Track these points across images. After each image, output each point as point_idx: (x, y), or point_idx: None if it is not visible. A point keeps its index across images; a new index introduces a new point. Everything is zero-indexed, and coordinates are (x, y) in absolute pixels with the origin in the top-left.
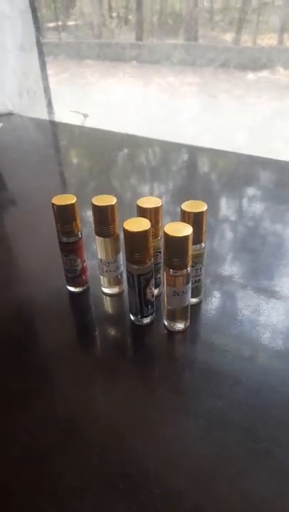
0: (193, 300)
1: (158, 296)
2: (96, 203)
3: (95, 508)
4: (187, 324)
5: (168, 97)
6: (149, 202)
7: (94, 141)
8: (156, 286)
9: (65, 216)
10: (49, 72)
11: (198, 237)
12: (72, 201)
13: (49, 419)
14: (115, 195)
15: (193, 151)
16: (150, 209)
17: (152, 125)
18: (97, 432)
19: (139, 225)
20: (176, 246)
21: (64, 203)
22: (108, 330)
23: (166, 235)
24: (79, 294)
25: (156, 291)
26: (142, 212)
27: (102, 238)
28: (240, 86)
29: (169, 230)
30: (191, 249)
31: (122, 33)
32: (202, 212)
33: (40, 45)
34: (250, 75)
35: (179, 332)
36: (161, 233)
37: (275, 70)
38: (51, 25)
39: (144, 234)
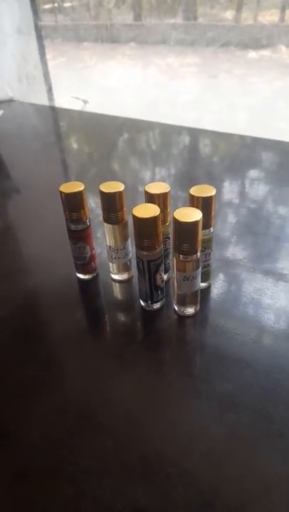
0: (203, 284)
1: (167, 281)
2: (104, 190)
3: (113, 490)
4: (197, 309)
5: (168, 78)
6: (156, 187)
7: (95, 126)
8: (166, 271)
9: (74, 204)
10: (47, 56)
11: (207, 221)
12: (81, 189)
13: (63, 405)
14: (119, 181)
15: (195, 134)
16: (158, 195)
17: (153, 107)
18: (111, 416)
19: (148, 211)
20: (186, 231)
21: (72, 191)
22: (118, 316)
23: (175, 220)
24: (88, 281)
25: (165, 277)
26: (150, 198)
27: (110, 225)
28: (242, 65)
29: (178, 215)
30: (201, 234)
31: (120, 13)
32: (211, 197)
33: (38, 29)
34: (252, 54)
35: (189, 317)
36: (169, 219)
37: (276, 49)
38: (47, 7)
39: (153, 220)
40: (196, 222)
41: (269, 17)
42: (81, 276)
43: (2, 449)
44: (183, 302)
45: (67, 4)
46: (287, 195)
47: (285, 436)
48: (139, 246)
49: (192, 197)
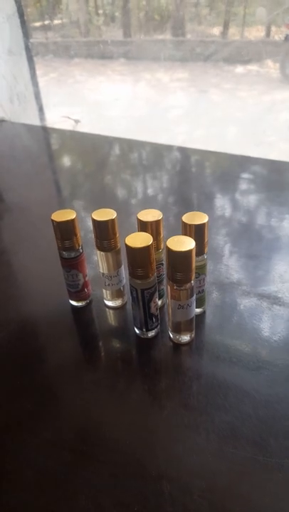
0: (197, 310)
1: (161, 307)
2: (96, 218)
3: None
4: (192, 336)
5: (158, 93)
6: (149, 214)
7: (87, 147)
8: (160, 297)
9: (65, 232)
10: (38, 72)
11: (200, 248)
12: (72, 217)
13: (59, 440)
14: (113, 207)
15: (185, 152)
16: (151, 222)
17: (143, 123)
18: (107, 450)
19: (140, 240)
20: (179, 260)
21: (64, 219)
22: (113, 344)
23: (168, 249)
24: (82, 308)
25: (159, 302)
26: (143, 225)
27: (103, 252)
28: (230, 80)
29: (171, 244)
30: (194, 262)
31: (109, 30)
32: (203, 224)
33: (28, 49)
34: (239, 69)
35: (184, 344)
36: (162, 245)
37: (263, 63)
38: (37, 24)
39: (146, 249)
40: (189, 252)
41: (255, 33)
42: (74, 303)
43: None
44: (178, 330)
45: (57, 22)
46: (278, 214)
47: (285, 469)
48: (133, 275)
49: (185, 224)
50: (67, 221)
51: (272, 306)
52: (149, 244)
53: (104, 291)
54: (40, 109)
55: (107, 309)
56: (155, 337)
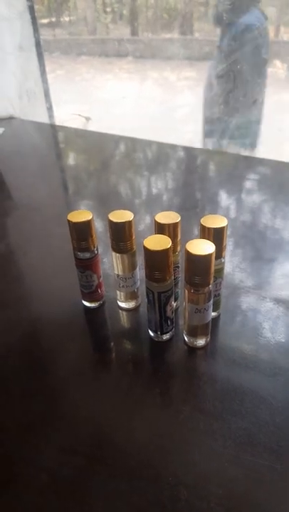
0: (213, 314)
1: (176, 310)
2: (113, 219)
3: None
4: (208, 340)
5: (165, 92)
6: (166, 217)
7: (96, 146)
8: (175, 299)
9: (81, 233)
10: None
11: (218, 252)
12: (89, 218)
13: (72, 443)
14: (122, 207)
15: (192, 152)
16: (169, 225)
17: (150, 121)
18: (121, 455)
19: (159, 242)
20: (198, 264)
21: (80, 220)
22: (126, 346)
23: (187, 252)
24: (95, 309)
25: (174, 305)
26: (160, 227)
27: (119, 254)
28: None
29: (190, 247)
30: (213, 266)
31: (117, 28)
32: (222, 228)
33: (39, 46)
34: None
35: (199, 348)
36: (179, 248)
37: (272, 63)
38: (45, 21)
39: (165, 252)
40: (209, 256)
41: None
42: (87, 304)
43: (5, 492)
44: (194, 333)
45: (65, 19)
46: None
47: None
48: (150, 277)
49: (203, 227)
50: (84, 222)
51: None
52: (168, 247)
53: (118, 292)
54: (50, 107)
55: (120, 311)
56: (170, 340)
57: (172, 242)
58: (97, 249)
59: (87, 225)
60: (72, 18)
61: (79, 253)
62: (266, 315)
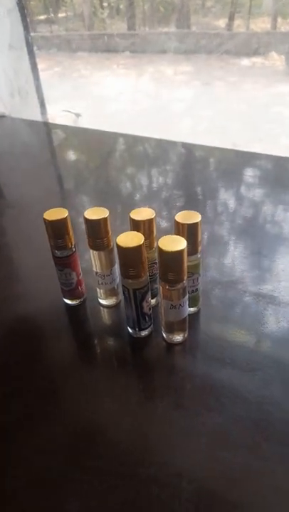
0: (191, 309)
1: (155, 306)
2: (88, 217)
3: None
4: (186, 336)
5: (162, 87)
6: (141, 213)
7: (88, 143)
8: (153, 296)
9: (58, 231)
10: (42, 66)
11: (193, 247)
12: (64, 215)
13: (52, 441)
14: (113, 204)
15: (189, 148)
16: (144, 221)
17: (147, 117)
18: (98, 452)
19: (132, 239)
20: (170, 261)
21: (56, 218)
22: (107, 343)
23: (160, 249)
24: (76, 306)
25: (153, 302)
26: (135, 224)
27: (96, 251)
28: (235, 72)
29: (163, 244)
30: (186, 262)
31: (114, 23)
32: (196, 224)
33: (29, 44)
34: (245, 61)
35: (177, 344)
36: (155, 244)
37: (269, 56)
38: (42, 17)
39: (137, 249)
40: (180, 252)
41: (261, 24)
42: (68, 301)
43: None
44: (171, 329)
45: (61, 14)
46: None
47: (276, 473)
48: (125, 275)
49: (178, 224)
50: (59, 220)
51: (268, 305)
52: (140, 243)
53: (98, 289)
54: (42, 104)
55: (101, 308)
56: (148, 336)
57: (148, 239)
58: (75, 247)
59: (63, 223)
60: (68, 14)
61: (56, 251)
62: (246, 310)
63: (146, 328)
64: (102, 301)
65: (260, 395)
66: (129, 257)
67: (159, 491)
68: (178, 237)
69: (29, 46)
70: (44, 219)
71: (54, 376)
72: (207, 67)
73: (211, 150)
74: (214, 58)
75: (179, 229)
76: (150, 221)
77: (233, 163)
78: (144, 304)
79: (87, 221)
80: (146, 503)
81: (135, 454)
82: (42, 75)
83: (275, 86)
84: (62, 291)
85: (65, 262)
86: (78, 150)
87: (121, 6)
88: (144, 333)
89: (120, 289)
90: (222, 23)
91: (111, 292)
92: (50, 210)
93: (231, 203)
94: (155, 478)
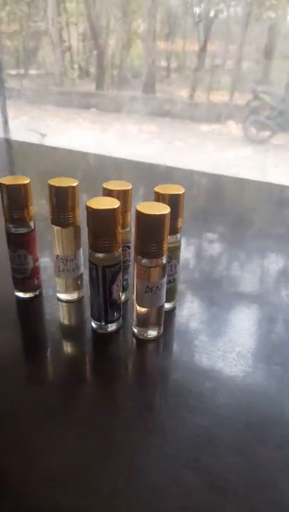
0: (167, 306)
1: (125, 303)
2: (54, 184)
3: None
4: (160, 331)
5: (126, 142)
6: (116, 185)
7: (52, 161)
8: (124, 289)
9: (16, 200)
10: (10, 114)
11: (174, 225)
12: (25, 182)
13: None
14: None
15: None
16: (118, 191)
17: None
18: (50, 463)
19: (105, 203)
20: (151, 227)
21: (15, 183)
22: (65, 342)
23: (139, 214)
24: (29, 300)
25: (123, 297)
26: (109, 195)
27: (59, 228)
28: (195, 136)
29: (142, 208)
30: (168, 232)
31: (83, 83)
32: (179, 195)
33: (0, 68)
34: (204, 127)
35: (150, 341)
36: (130, 223)
37: (226, 124)
38: (13, 72)
39: (111, 213)
40: (163, 216)
41: (220, 97)
42: (20, 294)
43: None
44: (144, 322)
45: (32, 71)
46: None
47: (278, 486)
48: (94, 247)
49: (158, 195)
50: (19, 185)
51: (250, 304)
52: (115, 207)
53: (57, 281)
54: (5, 122)
55: (60, 303)
56: (116, 332)
57: (122, 216)
58: (34, 225)
59: (22, 191)
60: (40, 71)
61: (11, 226)
62: (225, 308)
63: (115, 321)
64: (62, 296)
65: (240, 394)
66: (101, 224)
67: (129, 507)
68: (159, 203)
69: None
70: (0, 184)
71: None
72: (170, 128)
73: None
74: (176, 122)
75: (159, 201)
76: (126, 192)
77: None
78: (114, 289)
79: (52, 190)
80: None
81: (95, 463)
82: (9, 122)
83: (233, 149)
84: (13, 281)
85: (20, 241)
86: (39, 167)
87: (91, 70)
88: (111, 327)
89: (84, 283)
90: (184, 93)
91: (73, 284)
92: (9, 176)
93: None
94: (123, 492)
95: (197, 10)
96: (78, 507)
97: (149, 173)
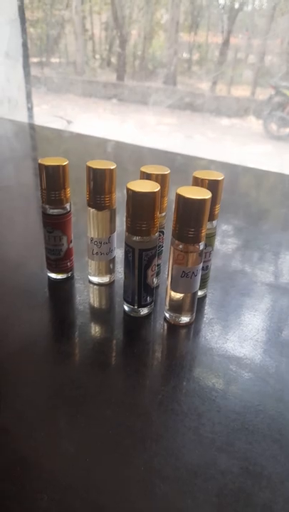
0: (199, 293)
1: (157, 287)
2: (92, 166)
3: None
4: (193, 317)
5: (145, 134)
6: (154, 169)
7: (77, 147)
8: (156, 274)
9: (54, 180)
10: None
11: (211, 212)
12: (64, 163)
13: (16, 427)
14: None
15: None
16: (156, 175)
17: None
18: (94, 444)
19: (146, 186)
20: (191, 211)
21: (54, 164)
22: (96, 324)
23: (179, 197)
24: (61, 281)
25: (155, 281)
26: (147, 179)
27: (95, 211)
28: (215, 129)
29: (183, 191)
30: (207, 218)
31: (104, 73)
32: (218, 181)
33: (26, 53)
34: (225, 121)
35: (181, 326)
36: (166, 209)
37: (247, 119)
38: (35, 60)
39: (151, 196)
40: (204, 201)
41: (242, 91)
42: (53, 275)
43: None
44: (177, 308)
45: (54, 60)
46: None
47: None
48: (132, 230)
49: (196, 179)
50: (58, 167)
51: (284, 294)
52: (155, 190)
53: (89, 264)
54: (30, 109)
55: (91, 286)
56: (147, 317)
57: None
58: (70, 207)
59: (60, 172)
60: (62, 59)
61: (48, 207)
62: (257, 298)
63: (147, 306)
64: (93, 279)
65: (277, 387)
66: (141, 206)
67: (169, 490)
68: (199, 188)
69: (25, 55)
70: (40, 164)
71: (25, 360)
72: (190, 121)
73: None
74: (197, 115)
75: (198, 186)
76: (164, 177)
77: None
78: (149, 273)
79: (90, 171)
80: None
81: (130, 442)
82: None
83: (250, 144)
84: (47, 262)
85: (56, 222)
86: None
87: (112, 60)
88: (143, 311)
89: (116, 267)
90: (205, 86)
91: (105, 268)
92: (48, 158)
93: None
94: (170, 476)
95: (222, 1)
96: (116, 480)
97: (171, 161)
